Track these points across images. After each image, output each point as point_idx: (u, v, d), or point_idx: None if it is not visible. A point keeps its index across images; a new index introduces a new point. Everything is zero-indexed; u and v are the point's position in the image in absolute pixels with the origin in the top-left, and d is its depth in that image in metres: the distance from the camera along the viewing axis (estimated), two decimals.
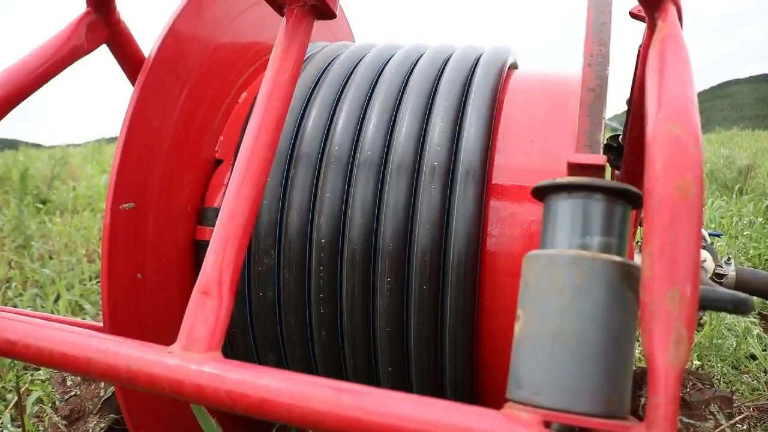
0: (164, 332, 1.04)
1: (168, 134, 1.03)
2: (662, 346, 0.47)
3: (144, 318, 1.01)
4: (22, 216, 3.50)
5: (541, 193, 0.63)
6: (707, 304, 0.62)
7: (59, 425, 1.15)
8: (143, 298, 1.00)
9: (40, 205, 4.20)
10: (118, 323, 0.94)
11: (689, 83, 0.58)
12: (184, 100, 1.06)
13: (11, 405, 1.65)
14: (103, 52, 1.05)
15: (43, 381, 1.82)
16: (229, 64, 1.18)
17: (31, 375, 1.87)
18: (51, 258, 3.17)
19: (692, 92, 0.57)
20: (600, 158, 0.64)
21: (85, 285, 2.75)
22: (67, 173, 5.56)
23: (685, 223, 0.49)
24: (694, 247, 0.49)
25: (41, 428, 1.57)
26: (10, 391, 1.79)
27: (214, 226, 1.08)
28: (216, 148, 1.15)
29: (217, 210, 1.09)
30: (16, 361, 1.90)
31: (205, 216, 1.11)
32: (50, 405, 1.68)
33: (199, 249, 1.11)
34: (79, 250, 3.22)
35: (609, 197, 0.58)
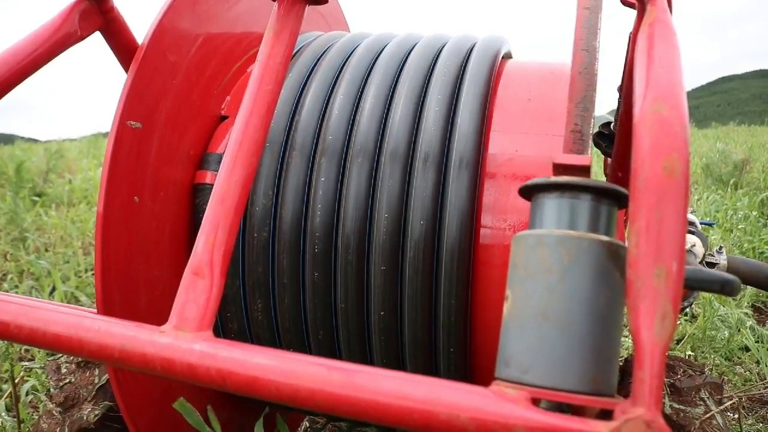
0: (153, 268, 1.05)
1: (181, 71, 1.06)
2: (648, 322, 0.48)
3: (135, 244, 1.01)
4: (17, 209, 3.50)
5: (528, 193, 0.63)
6: (695, 284, 0.62)
7: (54, 413, 1.15)
8: (137, 223, 1.01)
9: (35, 198, 4.20)
10: (109, 240, 0.95)
11: (677, 66, 0.58)
12: (199, 45, 1.10)
13: (6, 394, 1.66)
14: (101, 48, 1.06)
15: (37, 370, 1.82)
16: (246, 31, 1.23)
17: (25, 364, 1.88)
18: (47, 250, 3.17)
19: (679, 75, 0.58)
20: (586, 159, 0.64)
21: (80, 277, 2.75)
22: (63, 166, 5.55)
23: (671, 202, 0.50)
24: (680, 225, 0.50)
25: (36, 416, 1.57)
26: (6, 381, 1.79)
27: (214, 171, 1.10)
28: (222, 106, 1.19)
29: (220, 156, 1.11)
30: (10, 351, 1.90)
31: (206, 161, 1.13)
32: (45, 393, 1.69)
33: (197, 193, 1.12)
34: (75, 242, 3.22)
35: (596, 197, 0.59)
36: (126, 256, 0.98)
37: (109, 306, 0.94)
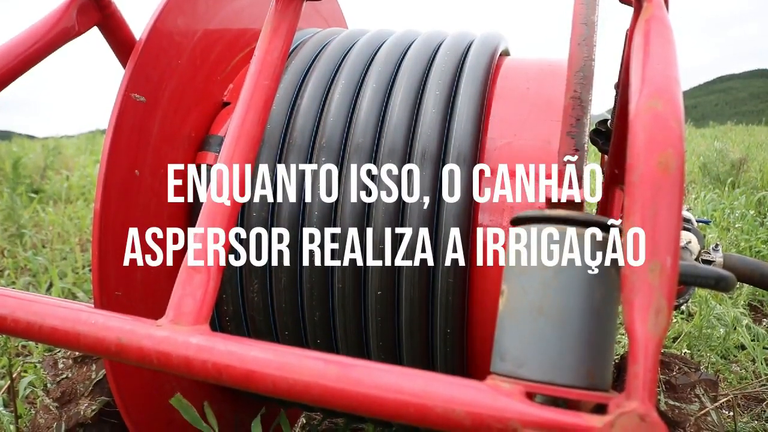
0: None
1: (186, 52, 1.08)
2: (642, 316, 0.48)
3: (134, 218, 1.01)
4: (14, 205, 3.49)
5: (520, 224, 0.63)
6: (689, 279, 0.62)
7: (51, 408, 1.15)
8: (136, 196, 1.01)
9: (33, 195, 4.19)
10: (107, 210, 0.95)
11: (672, 62, 0.58)
12: (205, 32, 1.12)
13: (3, 389, 1.66)
14: (99, 44, 1.06)
15: (35, 366, 1.82)
16: (250, 23, 1.26)
17: (23, 359, 1.88)
18: (44, 247, 3.17)
19: (675, 70, 0.58)
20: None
21: (77, 273, 2.75)
22: (60, 163, 5.54)
23: (665, 197, 0.50)
24: (674, 220, 0.50)
25: (33, 411, 1.57)
26: (3, 376, 1.79)
27: (216, 152, 1.12)
28: (225, 93, 1.20)
29: (221, 138, 1.12)
30: (8, 345, 1.90)
31: (207, 142, 1.14)
32: (42, 388, 1.68)
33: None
34: (72, 239, 3.22)
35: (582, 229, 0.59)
36: (124, 228, 0.99)
37: (104, 272, 0.94)
